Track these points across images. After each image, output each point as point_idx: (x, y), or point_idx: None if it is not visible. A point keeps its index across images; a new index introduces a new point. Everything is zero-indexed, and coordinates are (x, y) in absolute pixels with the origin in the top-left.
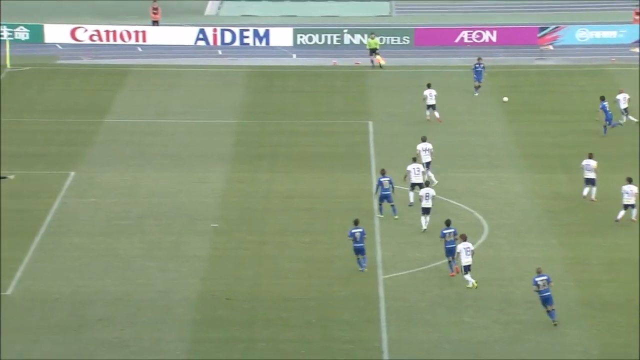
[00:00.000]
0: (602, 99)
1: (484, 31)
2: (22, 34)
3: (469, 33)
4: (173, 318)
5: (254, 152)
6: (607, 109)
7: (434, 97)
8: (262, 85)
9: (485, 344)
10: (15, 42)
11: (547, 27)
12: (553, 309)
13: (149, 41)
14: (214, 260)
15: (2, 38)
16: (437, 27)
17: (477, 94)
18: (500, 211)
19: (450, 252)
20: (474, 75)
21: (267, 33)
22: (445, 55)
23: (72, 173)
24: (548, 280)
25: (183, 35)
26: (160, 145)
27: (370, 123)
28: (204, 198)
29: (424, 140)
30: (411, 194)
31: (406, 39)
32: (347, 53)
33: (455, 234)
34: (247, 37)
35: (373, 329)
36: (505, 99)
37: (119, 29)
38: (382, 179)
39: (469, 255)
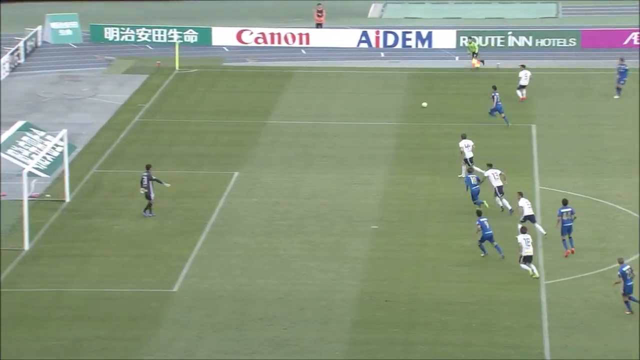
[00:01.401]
0: (494, 88)
1: None
2: (191, 36)
3: (639, 35)
4: (333, 318)
5: (414, 154)
6: (498, 100)
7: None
8: (423, 87)
9: None
10: (184, 44)
11: None
12: None
13: (312, 43)
14: (374, 261)
15: (172, 41)
16: (604, 29)
17: (617, 97)
18: None
19: (567, 230)
20: (618, 76)
21: (429, 35)
22: (613, 57)
23: (236, 173)
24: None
25: (346, 37)
26: (322, 147)
27: (534, 126)
28: (364, 200)
29: (463, 137)
30: (505, 201)
31: (572, 41)
32: (511, 55)
33: (572, 212)
34: (410, 39)
35: (535, 335)
36: (424, 104)
37: (283, 31)
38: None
39: (529, 246)
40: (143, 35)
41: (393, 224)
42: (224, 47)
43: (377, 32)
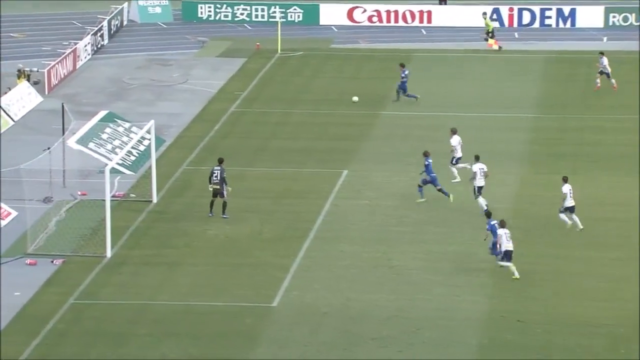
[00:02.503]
0: (402, 65)
1: None
2: (295, 15)
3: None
4: (456, 341)
5: (552, 150)
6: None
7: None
8: (563, 74)
9: None
10: (287, 24)
11: None
12: None
13: (435, 22)
14: (504, 275)
15: (274, 20)
16: None
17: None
18: None
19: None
20: None
21: (572, 13)
22: None
23: (345, 171)
24: None
25: (473, 15)
26: (443, 142)
27: None
28: (493, 203)
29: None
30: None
31: None
32: None
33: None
34: (549, 17)
35: None
36: (355, 98)
37: (401, 8)
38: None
39: (509, 240)
40: (241, 14)
41: (527, 231)
42: (333, 27)
43: (511, 10)
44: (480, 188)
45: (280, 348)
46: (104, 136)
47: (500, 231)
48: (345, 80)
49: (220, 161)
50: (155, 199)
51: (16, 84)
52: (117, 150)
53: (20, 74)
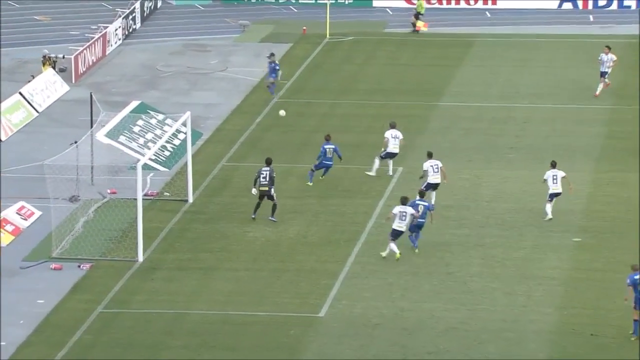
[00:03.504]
0: (271, 57)
1: None
2: None
3: None
4: (522, 355)
5: (628, 145)
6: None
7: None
8: None
9: None
10: (337, 5)
11: None
12: None
13: (500, 4)
14: (576, 284)
15: (322, 1)
16: None
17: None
18: None
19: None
20: None
21: None
22: None
23: (400, 168)
24: None
25: None
26: (509, 136)
27: None
28: (563, 204)
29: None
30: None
31: None
32: None
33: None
34: None
35: None
36: (282, 112)
37: None
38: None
39: (403, 220)
40: None
41: (600, 235)
42: (387, 9)
43: None
44: (435, 185)
45: None
46: (136, 129)
47: (395, 208)
48: (400, 68)
49: (269, 162)
50: (191, 198)
51: (41, 71)
52: (150, 144)
53: (45, 60)
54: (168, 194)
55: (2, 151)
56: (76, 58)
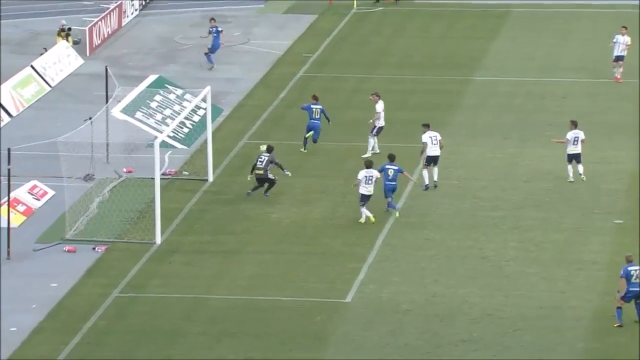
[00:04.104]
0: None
1: None
2: None
3: None
4: (561, 344)
5: None
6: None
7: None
8: None
9: None
10: None
11: None
12: None
13: None
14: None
15: None
16: None
17: None
18: None
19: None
20: None
21: None
22: None
23: None
24: None
25: None
26: (547, 112)
27: None
28: (605, 184)
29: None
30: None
31: None
32: None
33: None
34: None
35: None
36: (263, 147)
37: None
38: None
39: (369, 184)
40: None
41: None
42: None
43: None
44: (434, 158)
45: (354, 350)
46: (153, 104)
47: (361, 173)
48: (433, 41)
49: (270, 149)
50: (211, 178)
51: (55, 43)
52: (168, 120)
53: (61, 32)
54: (187, 173)
55: (13, 128)
56: (90, 30)
